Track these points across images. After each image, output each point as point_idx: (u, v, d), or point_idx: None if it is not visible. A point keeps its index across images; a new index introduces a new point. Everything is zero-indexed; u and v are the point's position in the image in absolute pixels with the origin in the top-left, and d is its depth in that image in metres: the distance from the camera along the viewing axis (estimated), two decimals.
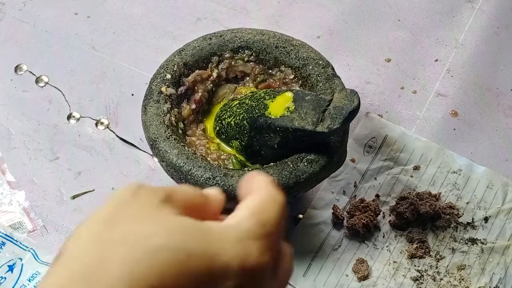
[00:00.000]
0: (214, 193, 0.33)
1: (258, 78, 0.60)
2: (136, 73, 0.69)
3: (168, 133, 0.53)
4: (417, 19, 0.73)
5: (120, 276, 0.26)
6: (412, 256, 0.58)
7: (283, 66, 0.58)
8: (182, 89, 0.56)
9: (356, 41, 0.71)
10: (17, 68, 0.69)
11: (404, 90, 0.68)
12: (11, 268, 0.56)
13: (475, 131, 0.66)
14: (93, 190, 0.62)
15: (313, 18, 0.73)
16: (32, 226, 0.60)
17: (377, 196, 0.61)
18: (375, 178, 0.62)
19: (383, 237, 0.59)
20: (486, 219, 0.60)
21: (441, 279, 0.57)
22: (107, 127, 0.66)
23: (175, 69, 0.56)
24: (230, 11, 0.74)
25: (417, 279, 0.57)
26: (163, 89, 0.55)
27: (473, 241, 0.59)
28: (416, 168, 0.63)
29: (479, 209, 0.61)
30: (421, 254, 0.58)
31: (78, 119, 0.66)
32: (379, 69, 0.70)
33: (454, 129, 0.66)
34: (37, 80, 0.69)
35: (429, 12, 0.73)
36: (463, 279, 0.57)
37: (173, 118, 0.55)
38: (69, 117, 0.66)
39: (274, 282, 0.31)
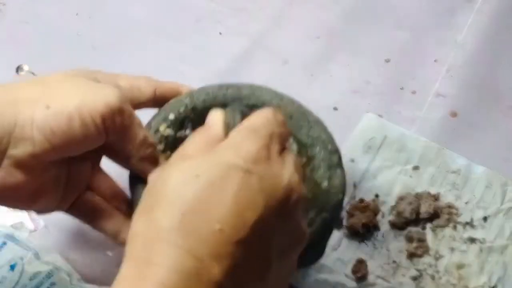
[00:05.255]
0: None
1: None
2: (137, 74, 0.69)
3: None
4: (416, 19, 0.73)
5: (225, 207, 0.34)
6: (411, 256, 0.58)
7: (292, 138, 0.53)
8: (182, 133, 0.52)
9: (356, 41, 0.72)
10: (18, 69, 0.70)
11: (403, 90, 0.69)
12: (12, 268, 0.57)
13: (475, 131, 0.66)
14: None
15: (313, 18, 0.73)
16: (34, 226, 0.60)
17: (377, 196, 0.61)
18: (375, 178, 0.62)
19: (383, 236, 0.60)
20: (485, 219, 0.60)
21: (440, 278, 0.58)
22: None
23: (181, 111, 0.52)
24: (230, 12, 0.74)
25: (416, 278, 0.58)
26: (161, 128, 0.51)
27: (472, 240, 0.59)
28: (416, 168, 0.63)
29: (478, 208, 0.61)
30: (420, 254, 0.59)
31: None
32: (379, 69, 0.70)
33: (454, 129, 0.66)
34: None
35: (428, 12, 0.74)
36: (462, 278, 0.58)
37: (163, 161, 0.50)
38: None
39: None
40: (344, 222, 0.60)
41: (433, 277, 0.58)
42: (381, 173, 0.62)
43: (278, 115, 0.41)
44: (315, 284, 0.57)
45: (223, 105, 0.53)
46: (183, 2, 0.75)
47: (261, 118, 0.40)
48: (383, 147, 0.64)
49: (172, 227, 0.34)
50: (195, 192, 0.34)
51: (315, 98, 0.68)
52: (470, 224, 0.60)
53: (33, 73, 0.69)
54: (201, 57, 0.71)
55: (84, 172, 0.47)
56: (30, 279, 0.56)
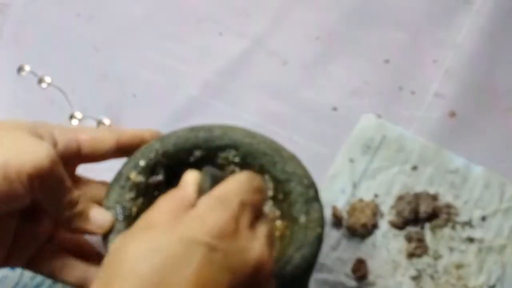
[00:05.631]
0: None
1: None
2: (138, 74, 0.70)
3: (124, 224, 0.48)
4: (415, 20, 0.73)
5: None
6: (410, 255, 0.59)
7: (267, 175, 0.52)
8: (154, 178, 0.51)
9: (355, 42, 0.72)
10: (19, 69, 0.70)
11: (402, 90, 0.69)
12: (12, 268, 0.57)
13: (473, 131, 0.66)
14: None
15: (313, 19, 0.73)
16: None
17: (376, 195, 0.62)
18: (374, 178, 0.62)
19: (382, 236, 0.60)
20: (483, 219, 0.61)
21: (440, 278, 0.58)
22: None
23: (151, 156, 0.51)
24: (230, 12, 0.74)
25: (415, 278, 0.58)
26: (132, 175, 0.50)
27: (470, 240, 0.60)
28: (414, 168, 0.63)
29: (477, 208, 0.61)
30: (420, 253, 0.59)
31: (80, 120, 0.67)
32: (378, 70, 0.70)
33: (452, 129, 0.66)
34: (40, 81, 0.69)
35: (427, 13, 0.74)
36: (461, 278, 0.58)
37: (134, 209, 0.49)
38: (71, 117, 0.67)
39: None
40: (344, 222, 0.60)
41: (432, 277, 0.58)
42: (380, 173, 0.63)
43: (253, 180, 0.39)
44: (315, 283, 0.57)
45: (196, 147, 0.52)
46: (183, 3, 0.75)
47: (232, 185, 0.38)
48: (382, 147, 0.64)
49: None
50: (153, 268, 0.32)
51: (314, 99, 0.68)
52: (468, 224, 0.60)
53: (34, 74, 0.70)
54: (201, 57, 0.71)
55: (39, 228, 0.46)
56: (31, 278, 0.56)
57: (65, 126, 0.46)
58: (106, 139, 0.47)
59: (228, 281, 0.33)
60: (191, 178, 0.40)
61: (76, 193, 0.44)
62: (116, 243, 0.36)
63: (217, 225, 0.34)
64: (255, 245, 0.35)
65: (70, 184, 0.44)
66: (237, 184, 0.38)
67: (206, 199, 0.37)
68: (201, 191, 0.39)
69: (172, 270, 0.32)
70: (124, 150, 0.48)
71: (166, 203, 0.37)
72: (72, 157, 0.45)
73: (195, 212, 0.36)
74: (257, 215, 0.38)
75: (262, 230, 0.37)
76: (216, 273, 0.33)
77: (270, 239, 0.37)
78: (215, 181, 0.40)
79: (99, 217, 0.45)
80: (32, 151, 0.41)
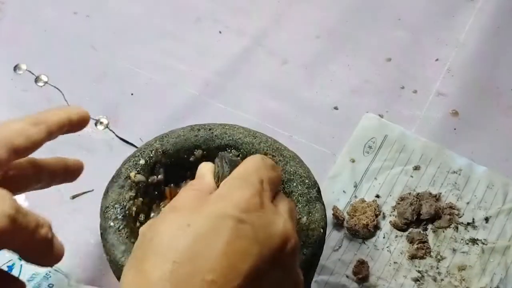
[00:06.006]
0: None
1: None
2: (136, 73, 0.70)
3: (123, 224, 0.48)
4: (417, 18, 0.73)
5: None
6: (412, 257, 0.58)
7: None
8: (154, 178, 0.51)
9: (356, 40, 0.72)
10: (16, 68, 0.70)
11: (404, 89, 0.68)
12: (10, 268, 0.56)
13: (475, 131, 0.66)
14: (93, 190, 0.62)
15: (313, 18, 0.73)
16: None
17: (377, 196, 0.61)
18: (375, 178, 0.62)
19: (384, 237, 0.59)
20: (486, 219, 0.60)
21: (442, 280, 0.57)
22: (107, 127, 0.66)
23: (151, 155, 0.51)
24: (230, 11, 0.74)
25: (417, 280, 0.57)
26: (132, 174, 0.50)
27: (473, 241, 0.59)
28: (416, 168, 0.63)
29: (480, 209, 0.61)
30: (422, 255, 0.58)
31: None
32: (379, 69, 0.70)
33: (455, 129, 0.66)
34: (37, 80, 0.69)
35: (429, 11, 0.74)
36: (464, 280, 0.57)
37: (134, 208, 0.49)
38: None
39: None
40: (345, 223, 0.60)
41: (434, 279, 0.57)
42: (382, 173, 0.62)
43: (266, 160, 0.40)
44: (316, 285, 0.57)
45: (196, 146, 0.52)
46: (182, 1, 0.75)
47: (250, 165, 0.39)
48: (383, 147, 0.64)
49: (162, 278, 0.32)
50: (186, 242, 0.34)
51: (315, 98, 0.68)
52: (471, 224, 0.60)
53: (31, 73, 0.69)
54: (201, 57, 0.71)
55: None
56: (28, 280, 0.56)
57: None
58: (39, 136, 0.46)
59: (256, 253, 0.34)
60: (205, 168, 0.41)
61: (45, 228, 0.41)
62: (145, 226, 0.37)
63: (243, 200, 0.36)
64: (279, 219, 0.36)
65: (37, 221, 0.41)
66: (253, 163, 0.39)
67: (227, 181, 0.38)
68: (221, 177, 0.40)
69: (204, 243, 0.33)
70: (55, 135, 0.48)
71: (187, 192, 0.38)
72: (11, 160, 0.44)
73: (219, 192, 0.37)
74: (276, 192, 0.40)
75: (283, 205, 0.38)
76: (245, 245, 0.34)
77: (292, 213, 0.38)
78: (232, 166, 0.41)
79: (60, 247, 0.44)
80: None
